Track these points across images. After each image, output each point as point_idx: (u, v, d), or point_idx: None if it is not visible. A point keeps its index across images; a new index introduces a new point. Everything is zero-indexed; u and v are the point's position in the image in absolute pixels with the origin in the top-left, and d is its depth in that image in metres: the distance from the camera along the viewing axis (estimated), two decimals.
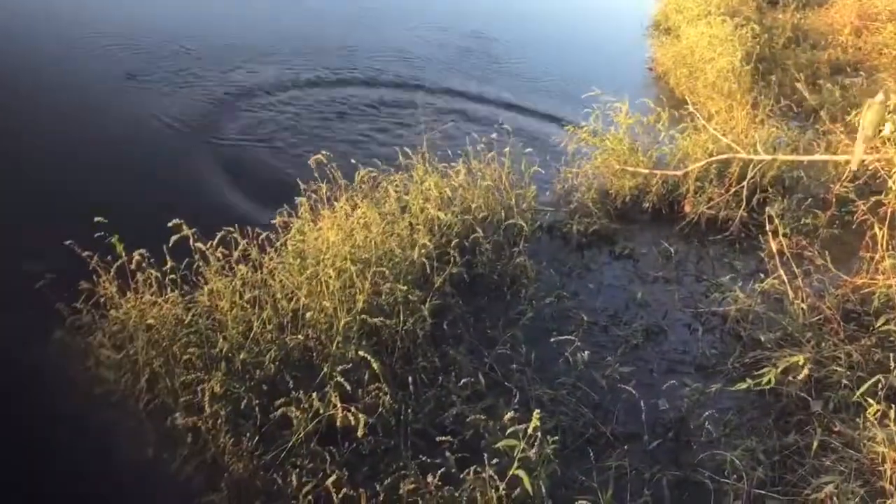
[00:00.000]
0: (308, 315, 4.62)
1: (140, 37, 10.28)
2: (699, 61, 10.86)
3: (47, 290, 4.30)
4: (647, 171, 7.55)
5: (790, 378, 4.96)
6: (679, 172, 7.56)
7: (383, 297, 4.88)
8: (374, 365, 4.11)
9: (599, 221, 7.05)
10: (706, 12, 13.00)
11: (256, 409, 3.98)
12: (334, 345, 4.43)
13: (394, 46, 11.79)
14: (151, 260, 4.37)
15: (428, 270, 5.19)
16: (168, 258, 4.42)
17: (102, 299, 4.36)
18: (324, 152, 5.68)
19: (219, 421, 3.88)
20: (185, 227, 4.38)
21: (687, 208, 7.54)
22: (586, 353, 4.88)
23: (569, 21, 16.67)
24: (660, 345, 5.71)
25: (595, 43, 14.29)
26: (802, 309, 5.59)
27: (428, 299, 4.92)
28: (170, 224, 4.36)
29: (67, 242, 4.41)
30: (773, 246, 6.04)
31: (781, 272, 5.84)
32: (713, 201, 7.42)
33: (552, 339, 5.15)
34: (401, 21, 13.30)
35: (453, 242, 5.37)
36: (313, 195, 5.57)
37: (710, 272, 6.74)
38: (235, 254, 4.68)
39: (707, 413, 4.71)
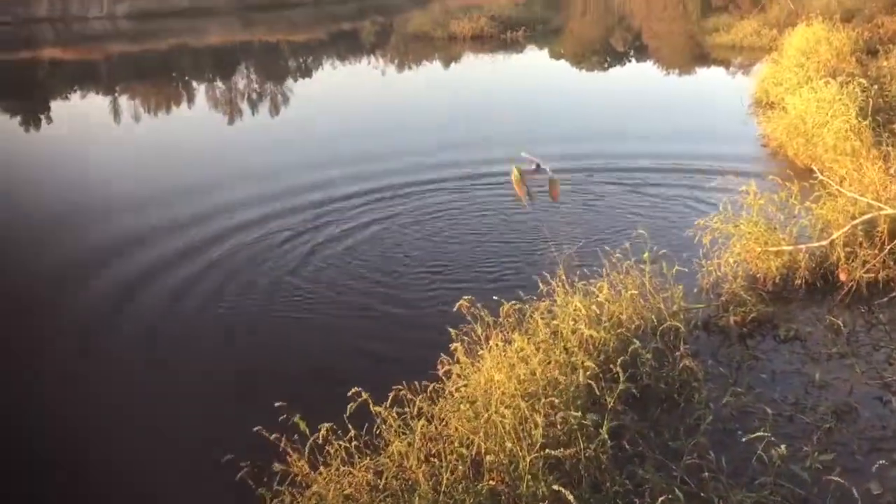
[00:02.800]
0: (489, 459, 4.65)
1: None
2: (813, 127, 10.71)
3: (247, 477, 4.53)
4: (790, 247, 7.38)
5: None
6: (824, 242, 7.35)
7: (558, 427, 4.87)
8: (570, 497, 4.07)
9: (755, 308, 6.86)
10: (806, 79, 12.88)
11: None
12: (524, 484, 4.42)
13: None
14: (338, 431, 4.57)
15: (596, 392, 5.15)
16: (349, 426, 4.62)
17: (298, 477, 4.55)
18: (467, 297, 5.87)
19: None
20: (362, 392, 4.60)
21: (842, 277, 7.26)
22: (782, 447, 4.65)
23: (673, 112, 16.91)
24: (854, 424, 5.41)
25: (704, 128, 14.33)
26: None
27: (604, 421, 4.87)
28: (349, 393, 4.59)
29: (256, 429, 4.68)
30: None
31: None
32: (868, 264, 7.13)
33: (740, 439, 4.96)
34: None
35: (615, 359, 5.32)
36: (466, 338, 5.71)
37: (887, 338, 6.40)
38: (411, 410, 4.83)
39: None
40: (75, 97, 25.32)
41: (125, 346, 7.71)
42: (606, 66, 27.66)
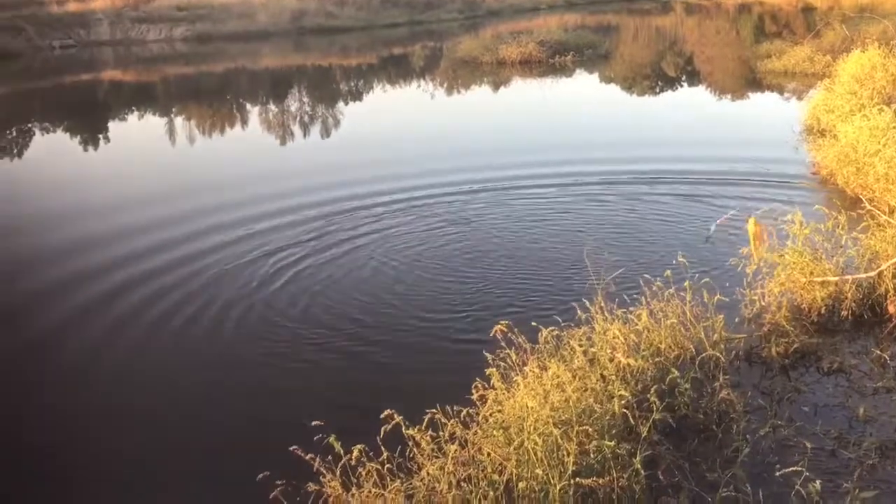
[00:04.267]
0: (521, 485, 4.66)
1: None
2: (864, 156, 10.51)
3: (280, 496, 4.61)
4: (836, 278, 7.24)
5: None
6: (872, 273, 7.20)
7: (591, 455, 4.84)
8: None
9: (798, 339, 6.74)
10: (859, 106, 12.66)
11: None
12: None
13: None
14: (370, 453, 4.63)
15: (631, 421, 5.12)
16: (383, 448, 4.68)
17: (330, 498, 4.62)
18: (503, 321, 5.88)
19: None
20: (395, 415, 4.66)
21: (891, 309, 7.11)
22: (818, 482, 4.56)
23: (723, 138, 16.77)
24: None
25: (753, 155, 14.11)
26: None
27: (638, 451, 4.83)
28: (382, 415, 4.65)
29: (292, 448, 4.78)
30: None
31: None
32: None
33: (777, 474, 4.86)
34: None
35: (652, 388, 5.28)
36: (502, 363, 5.71)
37: None
38: (443, 434, 4.86)
39: None
40: (132, 117, 26.03)
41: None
42: (658, 90, 27.51)
